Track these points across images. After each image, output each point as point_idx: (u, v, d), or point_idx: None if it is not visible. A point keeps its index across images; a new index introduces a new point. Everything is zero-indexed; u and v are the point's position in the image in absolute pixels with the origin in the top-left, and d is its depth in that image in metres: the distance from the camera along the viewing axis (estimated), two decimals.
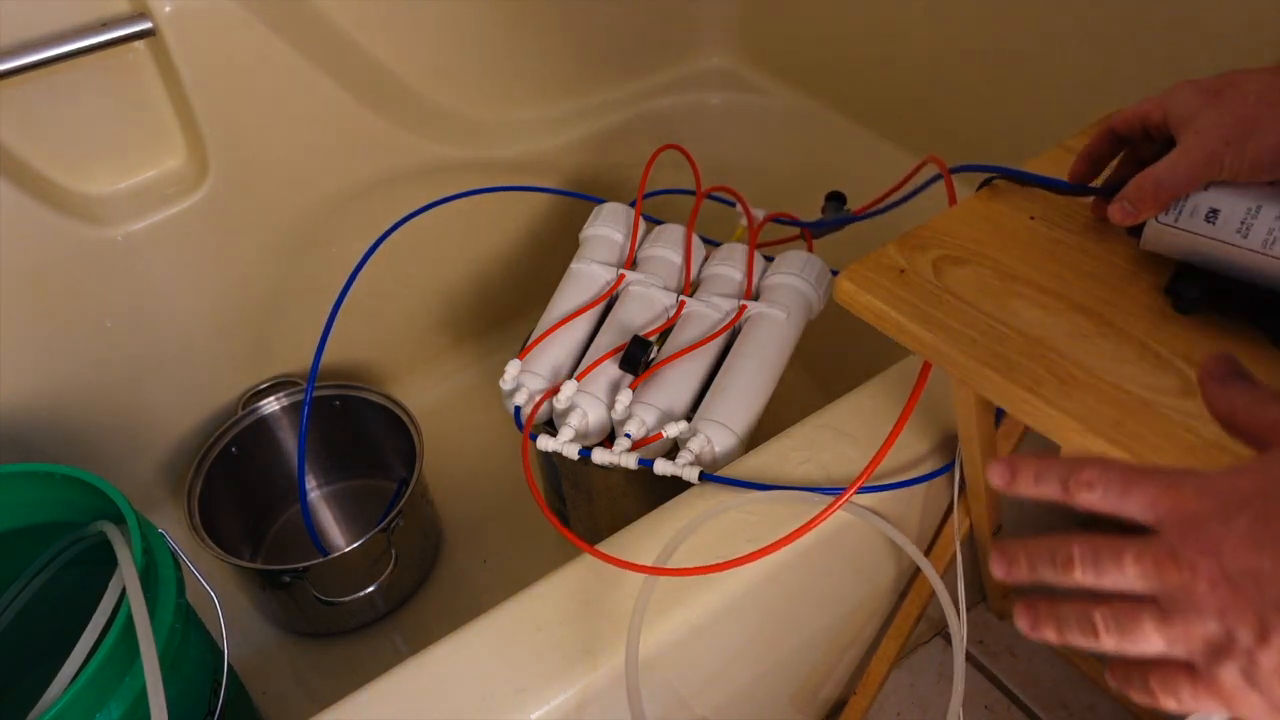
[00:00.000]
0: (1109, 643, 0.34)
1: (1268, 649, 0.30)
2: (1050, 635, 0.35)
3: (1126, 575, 0.33)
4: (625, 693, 0.61)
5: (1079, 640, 0.34)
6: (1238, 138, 0.49)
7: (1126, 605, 0.33)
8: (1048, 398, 0.50)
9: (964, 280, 0.57)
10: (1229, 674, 0.31)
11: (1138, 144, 0.56)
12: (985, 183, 0.64)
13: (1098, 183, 0.60)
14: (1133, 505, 0.34)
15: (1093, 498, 0.35)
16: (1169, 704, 0.33)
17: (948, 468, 0.74)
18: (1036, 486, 0.36)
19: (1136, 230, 0.55)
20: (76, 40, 0.82)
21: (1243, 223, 0.50)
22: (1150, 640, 0.33)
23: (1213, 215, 0.51)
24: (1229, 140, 0.49)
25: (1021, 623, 0.36)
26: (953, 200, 0.74)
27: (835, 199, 0.95)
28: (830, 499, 0.67)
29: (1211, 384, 0.37)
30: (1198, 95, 0.51)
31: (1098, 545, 0.34)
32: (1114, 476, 0.34)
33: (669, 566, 0.65)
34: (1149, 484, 0.34)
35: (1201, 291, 0.53)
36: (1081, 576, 0.34)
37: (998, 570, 0.36)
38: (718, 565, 0.64)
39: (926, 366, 0.68)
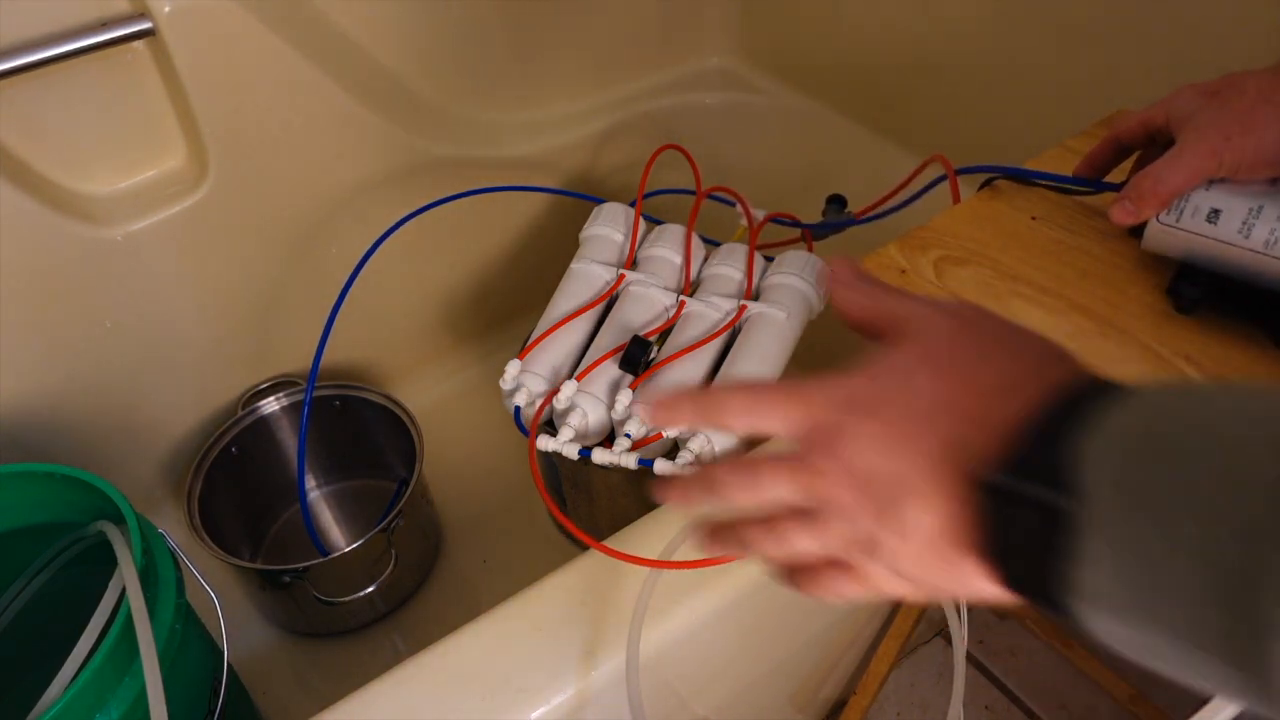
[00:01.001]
0: (770, 551, 0.37)
1: (905, 546, 0.32)
2: (720, 551, 0.39)
3: (773, 489, 0.35)
4: (625, 692, 0.61)
5: (741, 553, 0.38)
6: (1236, 135, 0.49)
7: (779, 517, 0.36)
8: None
9: (965, 281, 0.57)
10: (869, 562, 0.34)
11: (1144, 149, 0.57)
12: (987, 182, 0.64)
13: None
14: (771, 423, 0.36)
15: (732, 423, 0.36)
16: (835, 596, 0.37)
17: None
18: (675, 419, 0.39)
19: (1138, 231, 0.55)
20: (76, 40, 0.82)
21: (1244, 223, 0.50)
22: (804, 544, 0.36)
23: (1214, 215, 0.51)
24: (1228, 137, 0.49)
25: (698, 544, 0.39)
26: (957, 200, 0.74)
27: (836, 202, 0.95)
28: None
29: (838, 288, 0.38)
30: (1198, 96, 0.52)
31: (739, 466, 0.36)
32: (743, 398, 0.36)
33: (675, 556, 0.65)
34: (778, 400, 0.35)
35: (1203, 292, 0.53)
36: (736, 496, 0.37)
37: (661, 495, 0.40)
38: (719, 559, 0.64)
39: None
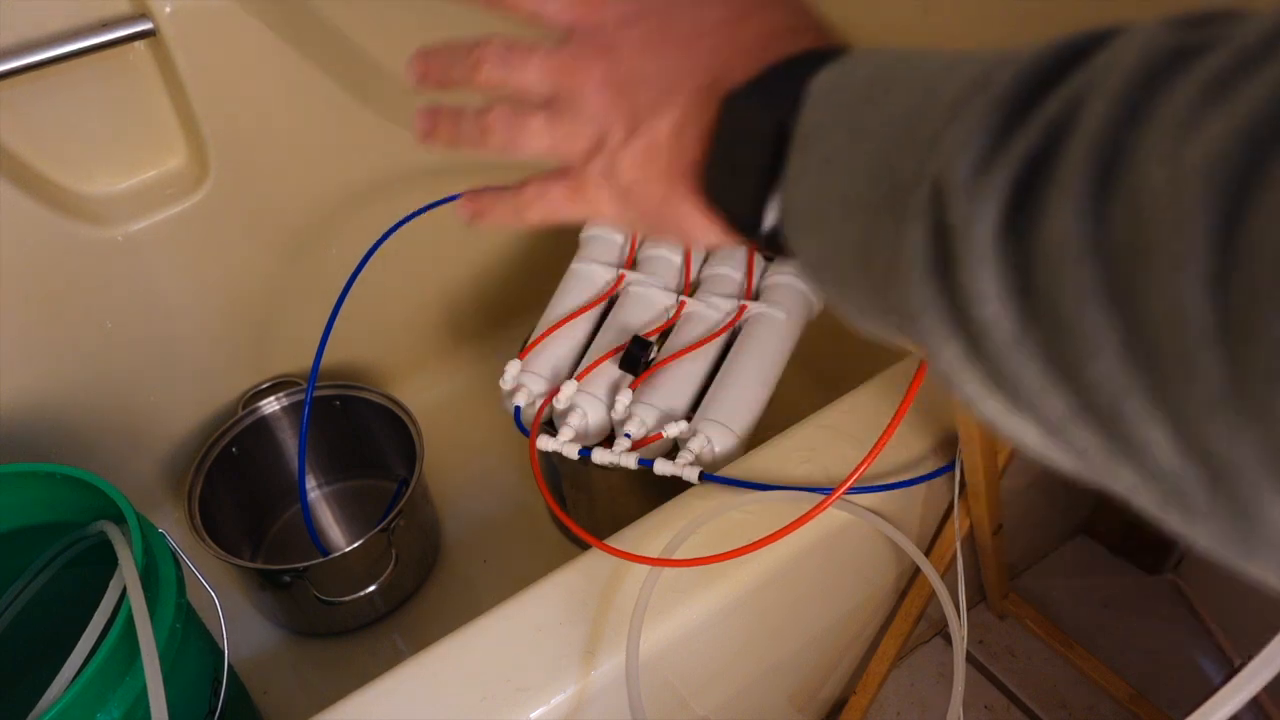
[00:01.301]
0: (497, 140, 0.35)
1: (629, 146, 0.32)
2: (445, 138, 0.36)
3: (529, 73, 0.35)
4: (625, 692, 0.61)
5: (474, 142, 0.36)
6: None
7: (521, 107, 0.34)
8: None
9: None
10: (594, 171, 0.33)
11: None
12: None
13: None
14: (550, 7, 0.35)
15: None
16: (544, 213, 0.35)
17: (948, 468, 0.74)
18: (466, 76, 0.37)
19: None
20: (76, 40, 0.82)
21: None
22: (537, 138, 0.34)
23: None
24: None
25: (419, 126, 0.37)
26: None
27: None
28: (826, 499, 0.67)
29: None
30: None
31: (512, 43, 0.35)
32: None
33: (675, 555, 0.65)
34: None
35: None
36: (490, 70, 0.36)
37: (413, 69, 0.38)
38: (720, 555, 0.64)
39: (922, 366, 0.68)
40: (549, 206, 0.36)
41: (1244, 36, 0.18)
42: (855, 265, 0.26)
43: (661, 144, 0.32)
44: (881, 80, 0.27)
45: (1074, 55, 0.23)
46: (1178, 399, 0.18)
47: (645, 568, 0.65)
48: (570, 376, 0.82)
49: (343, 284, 0.90)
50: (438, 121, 0.37)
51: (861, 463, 0.67)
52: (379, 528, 0.92)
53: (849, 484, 0.66)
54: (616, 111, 0.32)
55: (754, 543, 0.64)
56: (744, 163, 0.30)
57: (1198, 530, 0.20)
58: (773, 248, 0.31)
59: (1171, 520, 0.21)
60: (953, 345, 0.24)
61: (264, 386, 1.08)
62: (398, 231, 0.93)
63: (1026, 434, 0.24)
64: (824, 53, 0.30)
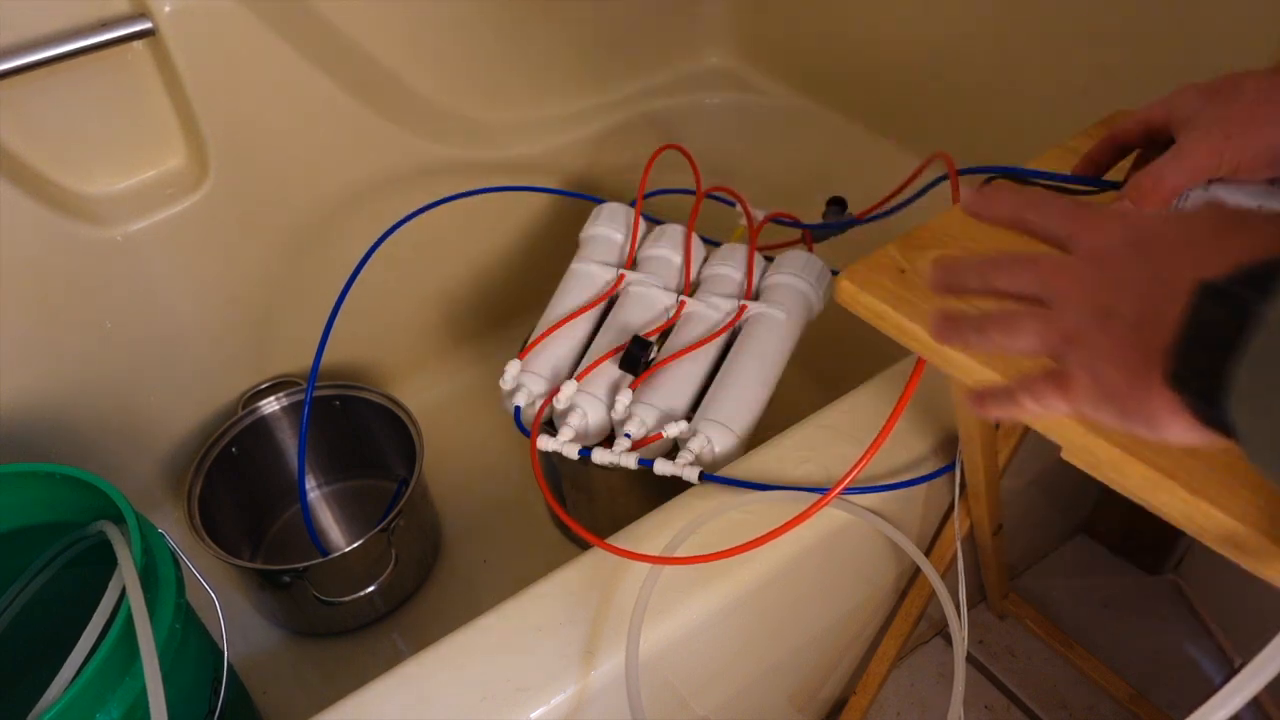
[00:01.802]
0: (995, 342, 0.39)
1: (1105, 335, 0.35)
2: (956, 341, 0.41)
3: (1029, 282, 0.38)
4: (625, 691, 0.61)
5: (976, 344, 0.40)
6: (1236, 134, 0.50)
7: (1014, 312, 0.39)
8: None
9: None
10: (1074, 363, 0.36)
11: (1144, 148, 0.57)
12: (986, 183, 0.64)
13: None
14: (1053, 226, 0.39)
15: (1049, 223, 0.39)
16: (1029, 405, 0.39)
17: (948, 468, 0.74)
18: (1001, 210, 0.41)
19: None
20: (76, 40, 0.82)
21: None
22: (1026, 338, 0.38)
23: None
24: (1229, 136, 0.50)
25: (936, 329, 0.42)
26: (957, 199, 0.74)
27: (836, 204, 0.95)
28: (823, 498, 0.67)
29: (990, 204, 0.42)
30: (1198, 96, 0.52)
31: (1016, 257, 0.39)
32: (1062, 207, 0.39)
33: (675, 555, 0.65)
34: (1052, 201, 0.39)
35: None
36: (1000, 282, 0.39)
37: (934, 278, 0.42)
38: (720, 553, 0.64)
39: (920, 364, 0.68)
40: (1040, 402, 0.39)
41: None
42: None
43: (1131, 332, 0.34)
44: None
45: None
46: None
47: (645, 567, 0.65)
48: (570, 376, 0.82)
49: (342, 284, 0.90)
50: (953, 327, 0.41)
51: (860, 460, 0.67)
52: (379, 528, 0.92)
53: (847, 481, 0.66)
54: (1096, 307, 0.35)
55: (753, 540, 0.64)
56: (1209, 345, 0.32)
57: None
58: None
59: None
60: None
61: (264, 386, 1.08)
62: (398, 231, 0.93)
63: None
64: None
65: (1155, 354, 0.34)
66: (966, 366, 0.52)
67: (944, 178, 0.83)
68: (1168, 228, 0.36)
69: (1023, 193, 0.41)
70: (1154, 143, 0.55)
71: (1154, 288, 0.34)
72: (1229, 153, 0.50)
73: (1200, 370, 0.32)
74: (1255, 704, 0.96)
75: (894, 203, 0.87)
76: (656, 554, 0.66)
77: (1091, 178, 0.60)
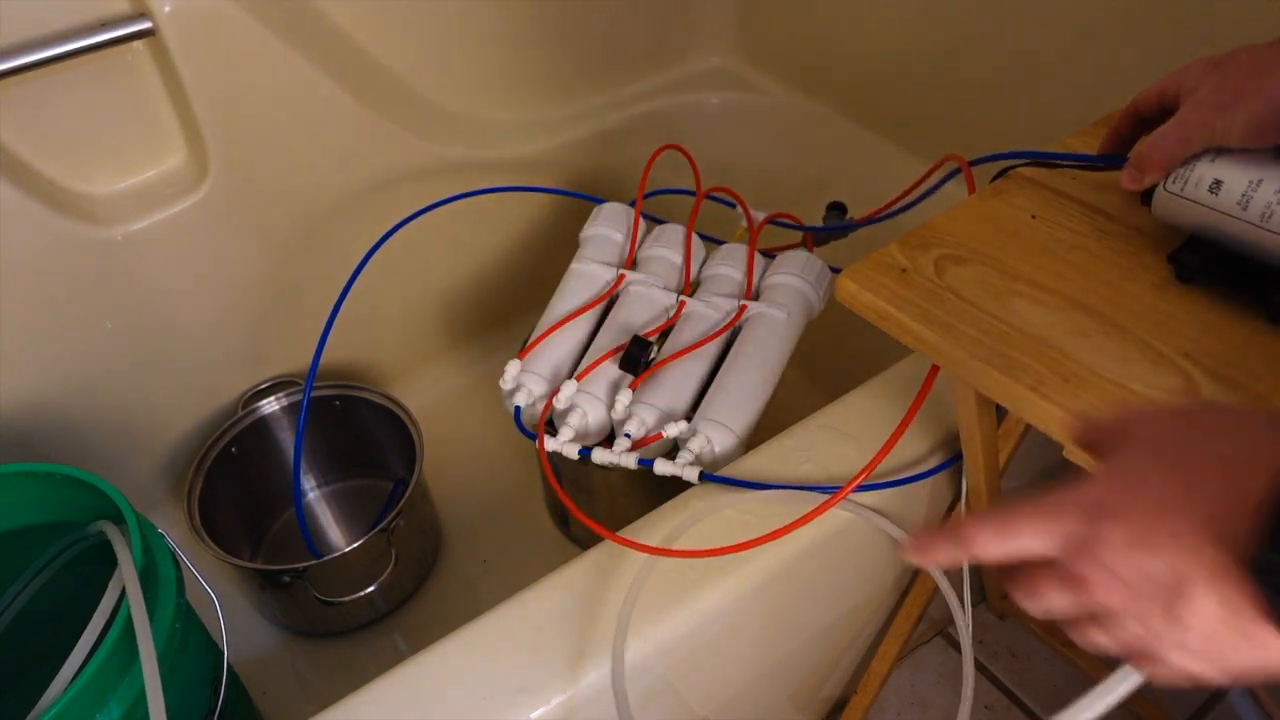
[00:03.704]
0: (1080, 640, 0.38)
1: (1183, 627, 0.34)
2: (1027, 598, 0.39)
3: (1048, 599, 0.37)
4: (624, 687, 0.61)
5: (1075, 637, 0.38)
6: (1229, 103, 0.51)
7: (1082, 623, 0.37)
8: (1050, 396, 0.49)
9: (966, 279, 0.57)
10: (1169, 656, 0.35)
11: (1160, 119, 0.58)
12: (1003, 172, 0.64)
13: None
14: (1025, 544, 0.37)
15: (988, 552, 0.38)
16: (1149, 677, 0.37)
17: (951, 461, 0.73)
18: (936, 559, 0.40)
19: (1149, 199, 0.56)
20: (76, 40, 0.82)
21: (1244, 195, 0.51)
22: (1109, 645, 0.37)
23: (1216, 186, 0.52)
24: (1220, 106, 0.51)
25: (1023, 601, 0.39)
26: (973, 190, 0.74)
27: (835, 209, 0.95)
28: (831, 495, 0.66)
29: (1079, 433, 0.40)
30: (1203, 68, 0.54)
31: (1030, 579, 0.38)
32: (993, 528, 0.37)
33: (672, 548, 0.66)
34: (1027, 522, 0.37)
35: (1202, 261, 0.54)
36: (1023, 600, 0.38)
37: (910, 555, 0.41)
38: (722, 549, 0.64)
39: (934, 368, 0.68)
40: (1146, 668, 0.37)
41: None
42: None
43: (1220, 620, 0.33)
44: None
45: None
46: None
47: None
48: (570, 376, 0.82)
49: (343, 284, 0.90)
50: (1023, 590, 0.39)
51: (872, 461, 0.67)
52: (379, 528, 0.92)
53: (858, 481, 0.66)
54: (1146, 607, 0.34)
55: (760, 538, 0.64)
56: None
57: None
58: None
59: None
60: None
61: (263, 386, 1.08)
62: (398, 232, 0.93)
63: None
64: None
65: (1254, 625, 0.32)
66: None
67: (946, 179, 0.83)
68: (1137, 491, 0.35)
69: (950, 532, 0.39)
70: (1168, 113, 0.56)
71: (1186, 560, 0.33)
72: (1219, 121, 0.51)
73: None
74: (1256, 704, 0.96)
75: (897, 206, 0.87)
76: (656, 544, 0.66)
77: (1113, 155, 0.60)
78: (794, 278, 0.85)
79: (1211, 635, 0.33)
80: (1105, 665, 0.37)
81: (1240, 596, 0.32)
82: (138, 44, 0.86)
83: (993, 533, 0.37)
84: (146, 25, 0.84)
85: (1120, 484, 0.35)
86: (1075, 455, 0.49)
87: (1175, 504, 0.34)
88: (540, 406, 0.82)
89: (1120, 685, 0.37)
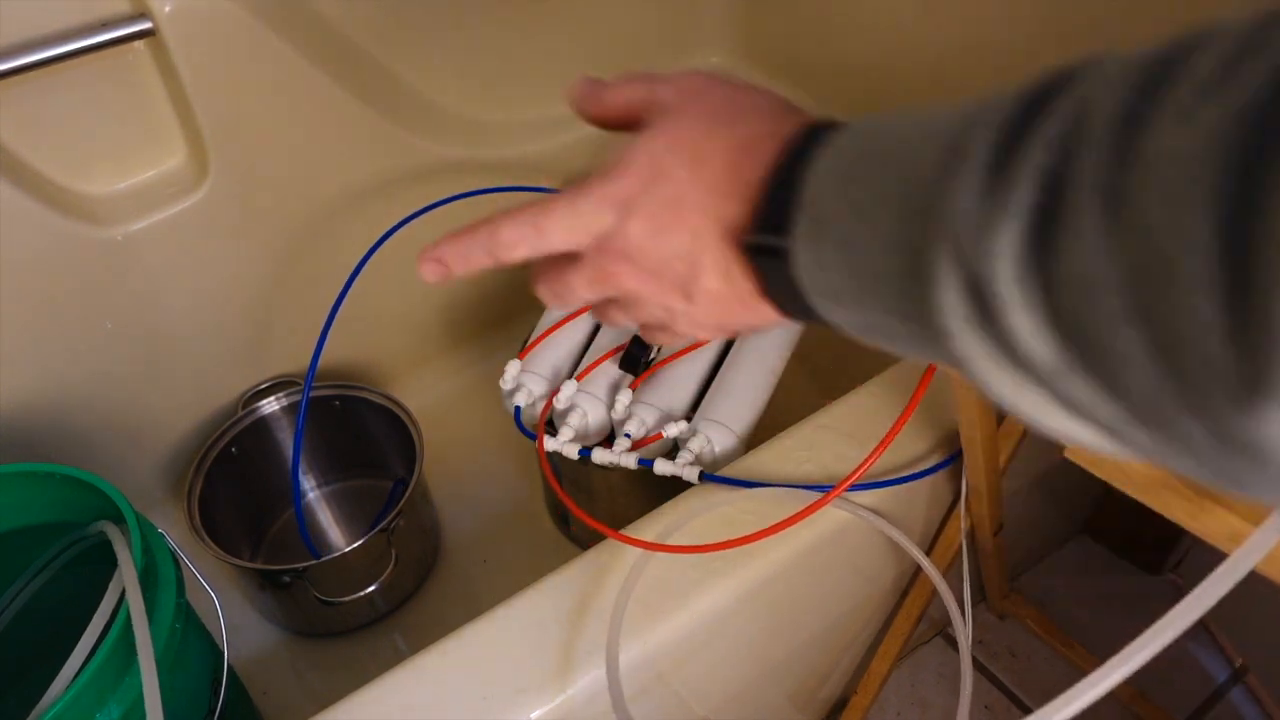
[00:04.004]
0: (605, 322, 0.43)
1: (696, 306, 0.38)
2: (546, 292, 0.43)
3: (580, 294, 0.40)
4: (622, 685, 0.61)
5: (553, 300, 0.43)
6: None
7: (606, 307, 0.42)
8: None
9: None
10: (680, 326, 0.40)
11: None
12: None
13: None
14: (555, 241, 0.39)
15: (515, 252, 0.40)
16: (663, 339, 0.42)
17: (950, 460, 0.73)
18: (469, 265, 0.42)
19: None
20: (76, 40, 0.82)
21: None
22: (628, 322, 0.42)
23: None
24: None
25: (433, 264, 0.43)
26: None
27: None
28: (830, 493, 0.67)
29: (580, 97, 0.42)
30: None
31: (525, 217, 0.39)
32: (525, 223, 0.39)
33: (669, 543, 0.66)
34: (552, 219, 0.38)
35: None
36: (549, 298, 0.42)
37: (429, 270, 0.43)
38: (720, 544, 0.64)
39: (930, 367, 0.68)
40: (653, 339, 0.43)
41: (1197, 69, 0.21)
42: (900, 330, 0.30)
43: (723, 296, 0.37)
44: (870, 155, 0.31)
45: (1044, 99, 0.25)
46: (1205, 400, 0.21)
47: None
48: (570, 376, 0.82)
49: (342, 284, 0.90)
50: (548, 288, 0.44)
51: (868, 457, 0.67)
52: (379, 528, 0.92)
53: (855, 477, 0.67)
54: (667, 291, 0.38)
55: (755, 533, 0.64)
56: (779, 277, 0.35)
57: (1255, 495, 0.23)
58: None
59: (1233, 491, 0.24)
60: (1004, 377, 0.26)
61: (263, 386, 1.08)
62: (398, 231, 0.93)
63: (1092, 439, 0.27)
64: (787, 160, 0.34)
65: (749, 297, 0.37)
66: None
67: None
68: (653, 183, 0.36)
69: (478, 234, 0.41)
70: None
71: (696, 250, 0.36)
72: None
73: (788, 298, 0.35)
74: (1257, 703, 0.96)
75: None
76: (652, 540, 0.66)
77: None
78: None
79: (716, 307, 0.38)
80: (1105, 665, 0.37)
81: (741, 273, 0.36)
82: (138, 44, 0.86)
83: (526, 233, 0.39)
84: (146, 25, 0.84)
85: (637, 174, 0.37)
86: (1075, 455, 0.49)
87: (690, 198, 0.36)
88: (540, 406, 0.82)
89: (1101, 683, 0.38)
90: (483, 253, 0.41)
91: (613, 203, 0.37)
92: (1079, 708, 0.39)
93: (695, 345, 0.82)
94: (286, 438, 1.06)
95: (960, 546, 0.77)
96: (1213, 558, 0.46)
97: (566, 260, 0.40)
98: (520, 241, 0.39)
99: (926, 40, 1.04)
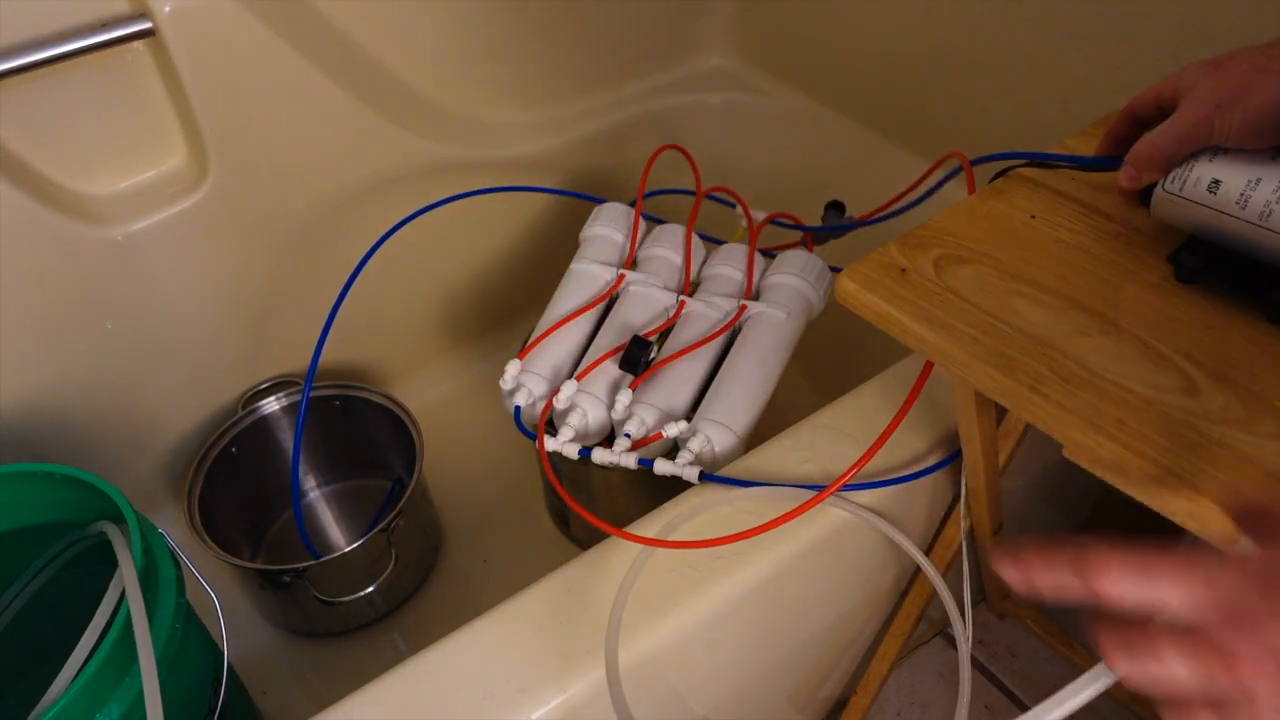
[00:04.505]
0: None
1: None
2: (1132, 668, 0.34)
3: (1172, 672, 0.32)
4: (624, 685, 0.61)
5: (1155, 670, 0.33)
6: (1228, 102, 0.51)
7: (1192, 704, 0.32)
8: (1050, 396, 0.49)
9: (965, 279, 0.57)
10: None
11: (1156, 123, 0.58)
12: (1003, 172, 0.65)
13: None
14: (1163, 593, 0.33)
15: (1115, 589, 0.33)
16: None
17: (950, 459, 0.73)
18: (1051, 580, 0.35)
19: (1148, 200, 0.56)
20: (76, 40, 0.82)
21: (1242, 194, 0.51)
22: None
23: (1215, 186, 0.52)
24: (1219, 105, 0.51)
25: (1106, 650, 0.34)
26: (973, 189, 0.74)
27: (834, 208, 0.95)
28: (827, 488, 0.67)
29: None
30: (1200, 69, 0.54)
31: (1130, 636, 0.33)
32: (1130, 564, 0.33)
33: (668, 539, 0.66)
34: (1175, 571, 0.32)
35: (1203, 261, 0.54)
36: (1115, 591, 0.33)
37: (1013, 578, 0.35)
38: (718, 539, 0.64)
39: (928, 366, 0.68)
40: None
41: None
42: None
43: None
44: None
45: None
46: None
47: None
48: (570, 376, 0.82)
49: (342, 284, 0.90)
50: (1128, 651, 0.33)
51: (867, 453, 0.67)
52: (379, 528, 0.92)
53: (851, 474, 0.67)
54: None
55: (752, 529, 0.64)
56: None
57: None
58: None
59: None
60: None
61: (263, 386, 1.08)
62: (398, 231, 0.93)
63: None
64: None
65: None
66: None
67: (945, 180, 0.83)
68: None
69: (1065, 551, 0.34)
70: (1164, 115, 0.57)
71: None
72: (1218, 120, 0.51)
73: None
74: None
75: (899, 205, 0.87)
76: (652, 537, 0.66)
77: (1111, 157, 0.60)
78: (794, 277, 0.85)
79: None
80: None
81: None
82: (138, 44, 0.86)
83: (1129, 570, 0.33)
84: (146, 25, 0.84)
85: None
86: (1075, 455, 0.49)
87: None
88: (540, 406, 0.82)
89: (1091, 685, 0.36)
90: (1066, 572, 0.34)
91: (1252, 573, 0.32)
92: (1075, 706, 0.37)
93: (695, 345, 0.82)
94: (286, 438, 1.06)
95: (960, 546, 0.77)
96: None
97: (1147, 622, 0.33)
98: (1119, 577, 0.33)
99: (927, 40, 1.04)
